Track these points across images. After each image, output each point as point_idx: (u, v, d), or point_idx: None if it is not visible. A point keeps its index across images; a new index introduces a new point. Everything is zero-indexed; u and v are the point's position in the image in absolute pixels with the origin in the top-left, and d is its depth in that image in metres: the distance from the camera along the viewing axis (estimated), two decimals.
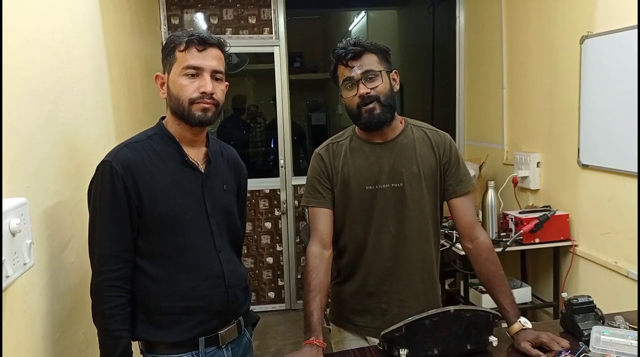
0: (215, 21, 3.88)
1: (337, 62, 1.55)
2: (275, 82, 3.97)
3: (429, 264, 1.63)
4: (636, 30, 2.15)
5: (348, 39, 1.56)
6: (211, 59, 1.37)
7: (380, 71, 1.52)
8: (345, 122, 5.68)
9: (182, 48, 1.35)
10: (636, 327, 1.46)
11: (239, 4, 3.87)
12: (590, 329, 1.40)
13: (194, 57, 1.35)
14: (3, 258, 1.07)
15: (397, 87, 1.58)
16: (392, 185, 1.57)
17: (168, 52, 1.39)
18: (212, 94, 1.36)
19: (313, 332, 1.43)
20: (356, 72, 1.51)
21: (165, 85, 1.40)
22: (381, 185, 1.57)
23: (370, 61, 1.52)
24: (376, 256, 1.59)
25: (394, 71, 1.58)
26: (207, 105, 1.36)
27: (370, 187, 1.57)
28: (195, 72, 1.35)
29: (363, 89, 1.50)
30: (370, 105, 1.51)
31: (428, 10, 4.51)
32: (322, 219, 1.60)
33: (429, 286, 1.63)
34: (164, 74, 1.41)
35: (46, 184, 1.40)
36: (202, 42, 1.35)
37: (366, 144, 1.60)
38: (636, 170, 2.18)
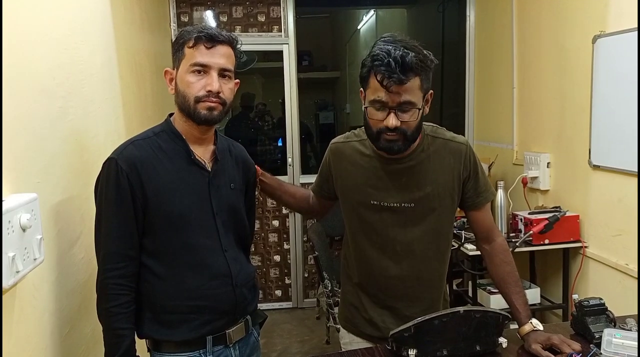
0: (224, 19, 3.88)
1: (373, 73, 1.34)
2: (284, 80, 3.97)
3: (438, 282, 1.60)
4: None
5: (396, 51, 1.30)
6: (219, 57, 1.34)
7: (418, 109, 1.37)
8: (353, 121, 5.70)
9: (190, 44, 1.33)
10: None
11: (248, 1, 3.87)
12: (602, 331, 1.38)
13: (201, 55, 1.33)
14: (14, 253, 1.07)
15: (427, 111, 1.44)
16: (403, 205, 1.49)
17: (177, 48, 1.37)
18: (218, 92, 1.33)
19: None
20: (393, 99, 1.33)
21: (174, 81, 1.38)
22: (389, 203, 1.50)
23: (412, 88, 1.34)
24: (382, 272, 1.55)
25: (430, 92, 1.42)
26: (212, 104, 1.34)
27: (375, 203, 1.51)
28: (203, 69, 1.33)
29: (393, 121, 1.35)
30: (394, 136, 1.38)
31: (438, 9, 4.48)
32: (317, 202, 1.77)
33: (438, 303, 1.60)
34: (174, 69, 1.39)
35: (56, 180, 1.41)
36: (210, 39, 1.33)
37: (377, 158, 1.51)
38: None
